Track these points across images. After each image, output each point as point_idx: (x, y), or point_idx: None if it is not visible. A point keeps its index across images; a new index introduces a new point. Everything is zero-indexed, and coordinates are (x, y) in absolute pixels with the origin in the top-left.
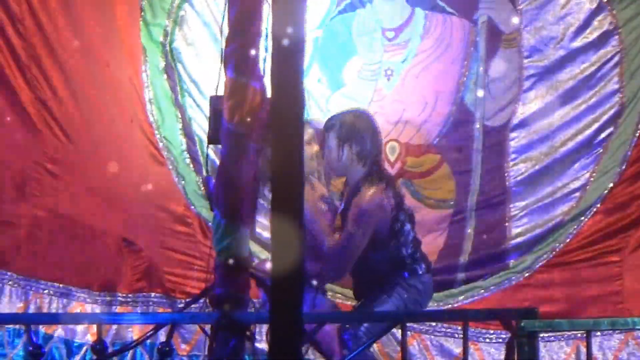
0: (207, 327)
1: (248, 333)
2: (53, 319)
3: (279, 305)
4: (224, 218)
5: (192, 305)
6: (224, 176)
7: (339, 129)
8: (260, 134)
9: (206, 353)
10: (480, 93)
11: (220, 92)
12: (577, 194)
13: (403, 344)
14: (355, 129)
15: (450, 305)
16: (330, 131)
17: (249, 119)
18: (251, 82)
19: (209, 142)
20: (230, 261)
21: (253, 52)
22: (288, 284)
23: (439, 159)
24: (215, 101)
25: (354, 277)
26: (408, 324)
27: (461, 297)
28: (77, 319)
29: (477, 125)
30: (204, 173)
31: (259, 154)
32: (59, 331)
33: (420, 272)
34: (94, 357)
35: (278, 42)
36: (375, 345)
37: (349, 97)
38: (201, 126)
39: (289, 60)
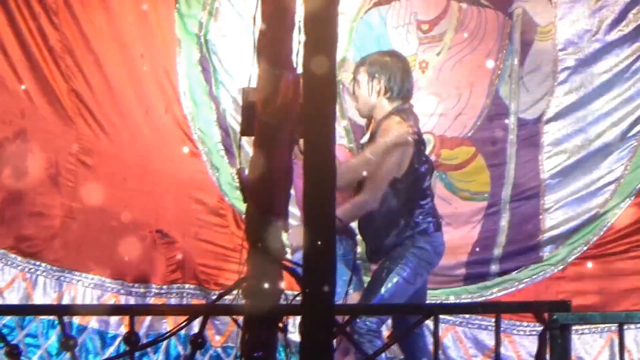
0: (240, 319)
1: (281, 325)
2: (86, 310)
3: (311, 297)
4: (257, 209)
5: (226, 297)
6: (257, 168)
7: (369, 64)
8: (293, 125)
9: (239, 345)
10: (515, 86)
11: (253, 84)
12: (612, 187)
13: (435, 336)
14: (385, 63)
15: (484, 298)
16: (360, 67)
17: (281, 111)
18: (284, 74)
19: (242, 134)
20: (263, 253)
21: (286, 44)
22: (320, 275)
23: (474, 151)
24: (248, 93)
25: (366, 233)
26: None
27: (495, 290)
28: (110, 310)
29: (512, 118)
30: (238, 165)
31: (291, 146)
32: (92, 322)
33: (430, 231)
34: (127, 348)
35: (310, 34)
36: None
37: None
38: (235, 118)
39: (321, 52)
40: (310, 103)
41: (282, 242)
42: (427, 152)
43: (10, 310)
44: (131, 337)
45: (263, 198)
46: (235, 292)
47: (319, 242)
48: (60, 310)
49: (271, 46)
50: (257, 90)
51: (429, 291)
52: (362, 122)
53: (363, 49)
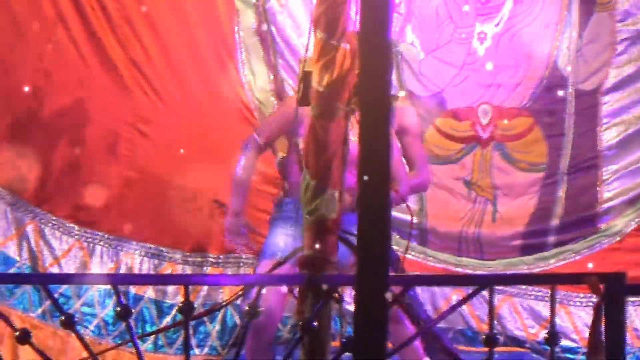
0: (296, 289)
1: (336, 295)
2: (141, 279)
3: (365, 267)
4: (313, 179)
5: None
6: (313, 138)
7: None
8: (350, 96)
9: (294, 315)
10: (574, 57)
11: (310, 54)
12: None
13: (491, 307)
14: None
15: (541, 269)
16: None
17: (337, 81)
18: (341, 44)
19: (299, 104)
20: (319, 223)
21: (343, 14)
22: (375, 245)
23: (531, 122)
24: (304, 63)
25: None
26: (498, 287)
27: (552, 261)
28: (165, 280)
29: (570, 89)
30: (294, 135)
31: (347, 116)
32: (149, 292)
33: None
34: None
35: (366, 4)
36: (465, 307)
37: (442, 60)
38: (293, 87)
39: (376, 23)
40: (366, 74)
41: (338, 212)
42: (485, 122)
43: (66, 279)
44: (186, 307)
45: (319, 167)
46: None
47: (374, 213)
48: (116, 280)
49: (328, 16)
50: (314, 60)
51: (485, 262)
52: (422, 92)
53: (422, 20)
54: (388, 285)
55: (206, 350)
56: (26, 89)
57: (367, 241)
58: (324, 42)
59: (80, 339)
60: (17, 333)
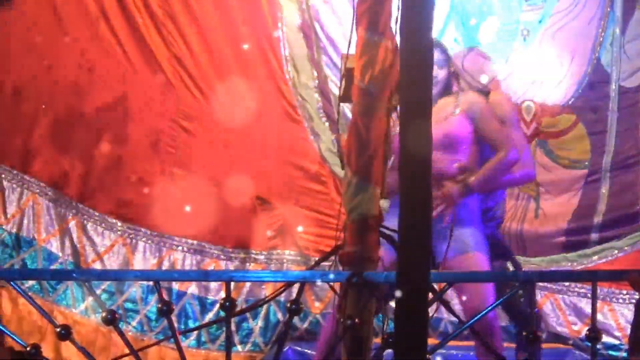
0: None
1: (378, 292)
2: (183, 276)
3: (406, 264)
4: (354, 176)
5: (324, 263)
6: (355, 134)
7: None
8: (391, 92)
9: (336, 312)
10: (617, 54)
11: (353, 51)
12: None
13: (532, 303)
14: None
15: (583, 266)
16: None
17: (379, 78)
18: (383, 40)
19: (341, 101)
20: (360, 219)
21: (385, 10)
22: (416, 243)
23: (574, 119)
24: (347, 59)
25: None
26: (540, 284)
27: (595, 258)
28: (207, 276)
29: (613, 86)
30: (338, 131)
31: (389, 113)
32: (192, 288)
33: None
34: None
35: (408, 0)
36: None
37: (485, 57)
38: (336, 84)
39: (418, 18)
40: (408, 70)
41: (380, 209)
42: (528, 119)
43: (109, 276)
44: (228, 304)
45: (361, 164)
46: (332, 258)
47: (416, 210)
48: (158, 276)
49: (370, 13)
50: (356, 56)
51: (528, 258)
52: (465, 89)
53: (465, 15)
54: (430, 281)
55: (249, 346)
56: (68, 86)
57: (408, 239)
58: (366, 38)
59: (122, 335)
60: (57, 329)
